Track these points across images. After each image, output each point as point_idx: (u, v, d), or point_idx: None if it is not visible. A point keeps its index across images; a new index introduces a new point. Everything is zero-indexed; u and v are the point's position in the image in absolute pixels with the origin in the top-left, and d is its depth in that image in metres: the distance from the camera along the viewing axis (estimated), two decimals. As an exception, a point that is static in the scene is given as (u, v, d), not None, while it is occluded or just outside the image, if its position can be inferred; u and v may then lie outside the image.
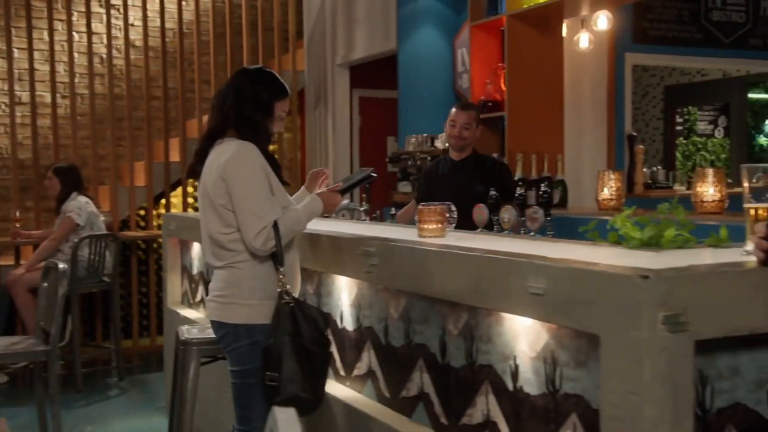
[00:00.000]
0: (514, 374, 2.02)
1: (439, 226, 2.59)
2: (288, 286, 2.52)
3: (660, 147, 9.51)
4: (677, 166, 9.54)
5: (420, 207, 2.62)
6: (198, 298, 4.40)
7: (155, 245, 6.33)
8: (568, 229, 3.02)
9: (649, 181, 6.68)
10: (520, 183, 4.41)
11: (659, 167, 7.25)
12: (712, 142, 10.59)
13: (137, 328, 6.38)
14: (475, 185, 3.56)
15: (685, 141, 10.46)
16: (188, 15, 6.85)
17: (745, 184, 1.95)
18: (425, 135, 5.34)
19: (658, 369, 1.53)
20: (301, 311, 2.47)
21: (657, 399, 1.54)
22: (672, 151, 9.63)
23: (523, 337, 1.98)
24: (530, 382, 1.97)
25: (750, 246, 1.76)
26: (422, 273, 2.25)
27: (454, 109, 3.90)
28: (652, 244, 2.08)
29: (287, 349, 2.40)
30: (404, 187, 5.51)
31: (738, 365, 1.72)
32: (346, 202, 3.51)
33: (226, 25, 6.81)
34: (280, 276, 2.50)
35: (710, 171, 3.58)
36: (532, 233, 2.75)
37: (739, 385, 1.73)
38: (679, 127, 10.31)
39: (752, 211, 1.88)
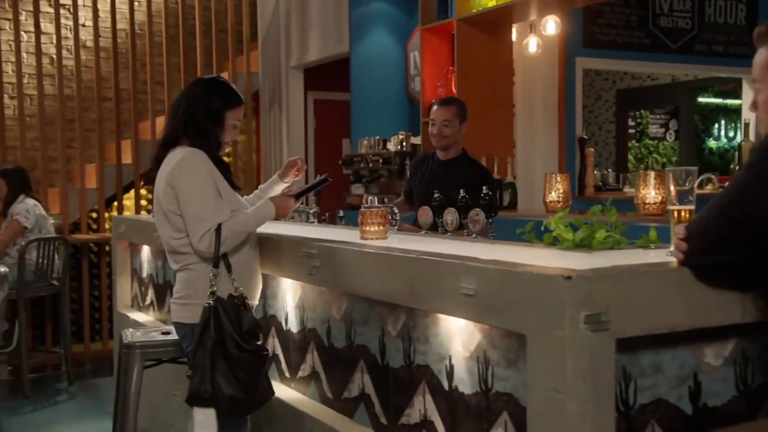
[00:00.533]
0: (450, 374, 2.05)
1: (381, 228, 2.61)
2: (241, 289, 2.57)
3: (613, 150, 9.68)
4: (630, 169, 9.72)
5: (361, 209, 2.64)
6: (148, 301, 4.37)
7: (107, 248, 6.25)
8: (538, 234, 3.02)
9: (600, 184, 6.81)
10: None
11: (609, 170, 7.39)
12: (664, 145, 10.81)
13: (89, 332, 6.30)
14: (452, 190, 3.15)
15: (637, 144, 10.66)
16: (140, 16, 6.79)
17: (671, 188, 2.02)
18: (377, 137, 5.37)
19: (580, 367, 1.57)
20: (225, 313, 2.48)
21: (579, 396, 1.58)
22: (624, 154, 9.81)
23: (457, 338, 2.02)
24: (464, 382, 2.00)
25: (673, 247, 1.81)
26: (361, 275, 2.28)
27: (434, 106, 3.74)
28: (584, 245, 2.13)
29: (202, 349, 2.45)
30: (357, 189, 5.53)
31: (660, 362, 1.78)
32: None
33: (179, 26, 6.77)
34: (211, 277, 2.52)
35: (652, 174, 3.66)
36: (474, 235, 2.79)
37: (662, 382, 1.78)
38: (631, 130, 10.51)
39: (676, 213, 1.94)
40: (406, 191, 3.92)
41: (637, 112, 10.48)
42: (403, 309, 2.22)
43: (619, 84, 9.54)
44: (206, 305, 2.50)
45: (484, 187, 2.84)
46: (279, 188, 2.90)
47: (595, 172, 6.75)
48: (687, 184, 1.97)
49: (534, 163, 6.25)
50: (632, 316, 1.64)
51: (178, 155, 2.58)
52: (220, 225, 2.51)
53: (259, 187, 3.00)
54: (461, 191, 2.93)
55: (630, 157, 10.30)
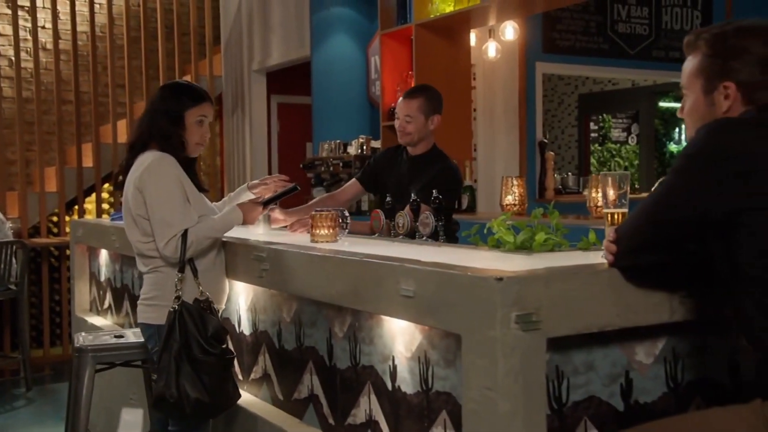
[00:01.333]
0: (393, 374, 2.09)
1: (331, 231, 2.65)
2: (207, 293, 2.62)
3: (575, 153, 9.83)
4: (592, 172, 9.87)
5: (313, 213, 2.67)
6: (106, 305, 4.36)
7: (68, 252, 6.20)
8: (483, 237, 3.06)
9: (560, 187, 6.92)
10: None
11: (569, 173, 7.50)
12: (626, 148, 10.99)
13: (49, 337, 6.25)
14: (415, 187, 3.17)
15: (600, 147, 10.83)
16: (101, 18, 6.75)
17: (610, 192, 2.08)
18: (338, 141, 5.41)
19: (511, 366, 1.62)
20: (191, 317, 2.52)
21: (510, 394, 1.63)
22: (586, 157, 9.95)
23: (400, 338, 2.06)
24: (407, 382, 2.04)
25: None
26: (309, 277, 2.31)
27: (400, 98, 3.49)
28: (525, 247, 2.18)
29: (167, 353, 2.48)
30: (319, 192, 5.55)
31: (592, 361, 1.83)
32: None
33: (141, 29, 6.74)
34: (177, 282, 2.57)
35: (617, 177, 3.72)
36: (424, 238, 2.83)
37: (594, 380, 1.84)
38: (594, 134, 10.68)
39: (610, 216, 2.01)
40: (360, 177, 3.64)
41: (600, 116, 10.64)
42: (349, 311, 2.25)
43: (581, 88, 9.69)
44: (171, 309, 2.54)
45: (434, 191, 2.88)
46: (247, 197, 2.94)
47: (555, 175, 6.86)
48: (621, 188, 2.04)
49: (495, 166, 6.33)
50: (563, 316, 1.69)
51: (147, 160, 2.63)
52: (186, 230, 2.56)
53: (228, 195, 3.07)
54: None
55: (593, 160, 10.46)
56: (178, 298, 2.55)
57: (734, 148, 1.58)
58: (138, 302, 2.74)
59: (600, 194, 3.78)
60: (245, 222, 2.71)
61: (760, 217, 1.55)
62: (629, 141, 10.99)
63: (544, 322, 1.65)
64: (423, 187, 3.13)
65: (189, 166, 2.70)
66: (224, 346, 2.61)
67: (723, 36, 1.69)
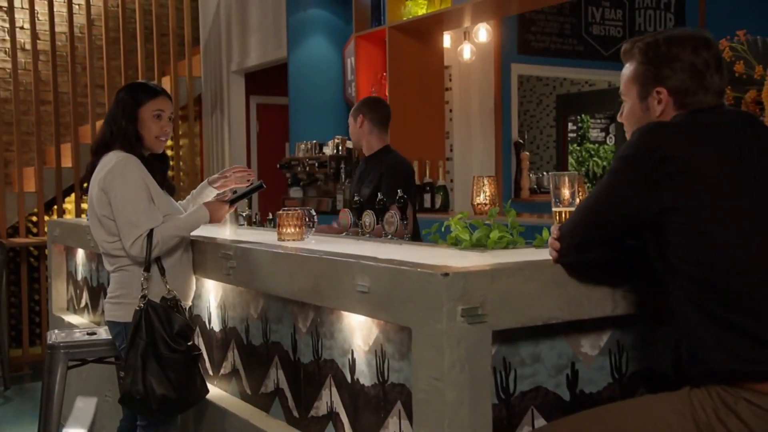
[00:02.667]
0: (352, 368, 2.17)
1: (297, 230, 2.72)
2: (173, 291, 2.67)
3: (553, 153, 9.93)
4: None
5: (278, 212, 2.75)
6: (83, 303, 4.41)
7: (47, 252, 6.23)
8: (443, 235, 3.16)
9: (535, 186, 7.02)
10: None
11: (545, 173, 7.60)
12: (604, 148, 11.11)
13: (28, 337, 6.27)
14: (364, 186, 3.57)
15: (579, 147, 10.94)
16: (80, 19, 6.78)
17: (565, 191, 2.17)
18: (314, 142, 5.48)
19: (458, 357, 1.70)
20: (156, 316, 2.58)
21: (457, 384, 1.71)
22: (564, 157, 10.06)
23: (358, 333, 2.14)
24: (365, 374, 2.12)
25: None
26: (273, 274, 2.38)
27: None
28: (481, 244, 2.27)
29: (134, 350, 2.54)
30: (295, 192, 5.63)
31: (539, 353, 1.92)
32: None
33: (120, 29, 6.78)
34: (143, 281, 2.63)
35: (566, 177, 3.82)
36: (390, 236, 2.91)
37: (541, 371, 1.92)
38: (573, 134, 10.79)
39: (558, 215, 2.09)
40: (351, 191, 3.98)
41: (579, 117, 10.76)
42: (311, 307, 2.33)
43: (558, 89, 9.79)
44: (138, 308, 2.60)
45: (399, 190, 2.96)
46: (210, 193, 3.00)
47: (530, 175, 6.96)
48: (572, 187, 2.13)
49: (471, 166, 6.41)
50: (508, 310, 1.77)
51: (111, 161, 2.68)
52: (152, 230, 2.61)
53: (192, 192, 3.10)
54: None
55: (571, 160, 10.58)
56: (144, 296, 2.60)
57: (664, 150, 1.66)
58: (105, 300, 2.79)
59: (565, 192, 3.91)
60: (212, 221, 2.77)
61: (687, 215, 1.64)
62: (607, 141, 11.11)
63: (490, 315, 1.74)
64: (370, 181, 3.39)
65: (155, 165, 2.76)
66: (190, 343, 2.67)
67: (655, 45, 1.78)
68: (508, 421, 1.88)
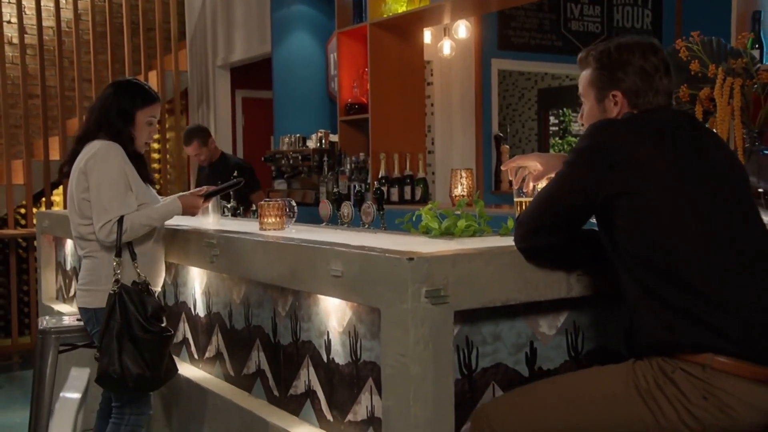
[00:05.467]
0: (328, 348, 2.32)
1: (278, 219, 2.86)
2: (143, 276, 2.78)
3: (535, 146, 10.09)
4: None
5: (260, 203, 2.89)
6: (72, 292, 4.52)
7: (36, 243, 6.34)
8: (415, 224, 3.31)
9: (515, 179, 7.16)
10: (381, 182, 4.75)
11: (525, 165, 7.71)
12: (586, 141, 11.29)
13: (17, 326, 6.38)
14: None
15: (560, 141, 11.11)
16: (67, 14, 6.87)
17: (531, 182, 2.31)
18: (298, 135, 5.61)
19: (422, 335, 1.85)
20: (130, 299, 2.70)
21: (421, 359, 1.86)
22: (546, 150, 10.23)
23: (333, 315, 2.28)
24: (339, 354, 2.27)
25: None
26: (254, 261, 2.52)
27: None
28: (449, 233, 2.41)
29: (109, 333, 2.68)
30: (280, 184, 5.76)
31: (500, 332, 2.07)
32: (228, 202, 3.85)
33: (107, 24, 6.88)
34: (115, 266, 2.73)
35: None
36: (366, 226, 3.05)
37: (501, 349, 2.08)
38: (555, 128, 10.95)
39: (518, 205, 2.25)
40: None
41: (561, 110, 10.92)
42: (290, 291, 2.47)
43: (540, 83, 9.95)
44: (111, 292, 2.71)
45: (375, 182, 3.10)
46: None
47: (510, 167, 7.10)
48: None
49: (452, 159, 6.56)
50: (469, 292, 1.92)
51: (94, 147, 2.78)
52: (123, 217, 2.71)
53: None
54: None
55: (553, 153, 10.75)
56: (117, 281, 2.72)
57: (611, 144, 1.82)
58: (76, 287, 2.92)
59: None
60: (185, 213, 2.89)
61: (631, 201, 1.80)
62: (587, 135, 11.28)
63: (452, 296, 1.89)
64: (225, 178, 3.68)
65: (136, 157, 2.86)
66: (163, 324, 2.79)
67: (608, 52, 1.95)
68: (471, 395, 2.03)
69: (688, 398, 1.72)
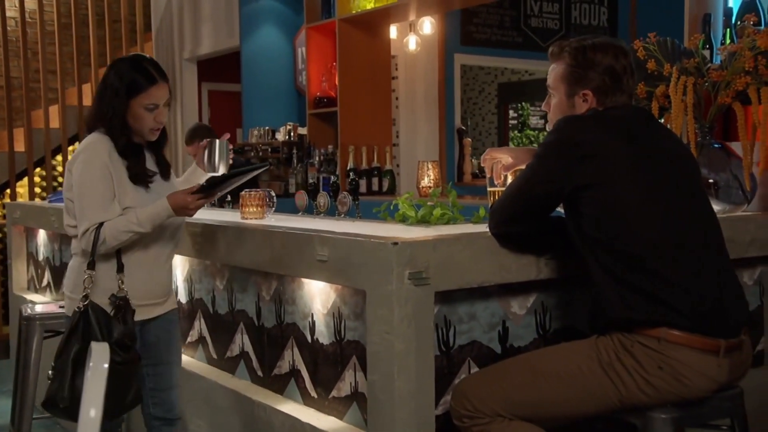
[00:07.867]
0: (312, 329, 2.46)
1: (259, 209, 2.98)
2: (125, 290, 2.41)
3: (495, 139, 10.32)
4: (511, 157, 10.37)
5: (241, 193, 3.00)
6: (44, 282, 4.58)
7: (2, 234, 6.34)
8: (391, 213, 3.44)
9: (477, 171, 7.36)
10: (350, 172, 4.90)
11: (487, 158, 7.91)
12: (543, 135, 11.58)
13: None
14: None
15: (519, 134, 11.37)
16: (31, 4, 6.84)
17: (503, 173, 2.47)
18: (267, 128, 5.71)
19: (405, 313, 2.00)
20: (96, 321, 2.33)
21: (404, 337, 2.01)
22: (505, 143, 10.46)
23: (317, 298, 2.42)
24: (323, 334, 2.41)
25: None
26: (240, 248, 2.64)
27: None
28: (425, 221, 2.57)
29: (65, 355, 2.33)
30: (248, 176, 5.85)
31: (475, 312, 2.24)
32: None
33: (72, 15, 6.87)
34: (86, 279, 2.39)
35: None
36: (342, 215, 3.19)
37: (476, 327, 2.24)
38: (514, 121, 11.20)
39: (491, 195, 2.41)
40: None
41: (519, 105, 11.18)
42: (274, 276, 2.60)
43: (500, 78, 10.17)
44: (77, 309, 2.37)
45: (351, 172, 3.24)
46: (201, 175, 2.69)
47: (472, 160, 7.30)
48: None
49: (416, 152, 6.72)
50: (448, 274, 2.08)
51: (85, 142, 2.47)
52: (101, 224, 2.36)
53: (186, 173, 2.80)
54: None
55: (512, 145, 11.01)
56: (86, 296, 2.37)
57: (578, 138, 1.99)
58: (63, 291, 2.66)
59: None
60: (176, 213, 2.42)
61: (596, 191, 1.97)
62: (546, 128, 11.56)
63: (433, 278, 2.04)
64: None
65: (130, 153, 2.46)
66: (129, 353, 2.35)
67: (583, 50, 2.10)
68: (449, 370, 2.19)
69: (645, 368, 1.91)
